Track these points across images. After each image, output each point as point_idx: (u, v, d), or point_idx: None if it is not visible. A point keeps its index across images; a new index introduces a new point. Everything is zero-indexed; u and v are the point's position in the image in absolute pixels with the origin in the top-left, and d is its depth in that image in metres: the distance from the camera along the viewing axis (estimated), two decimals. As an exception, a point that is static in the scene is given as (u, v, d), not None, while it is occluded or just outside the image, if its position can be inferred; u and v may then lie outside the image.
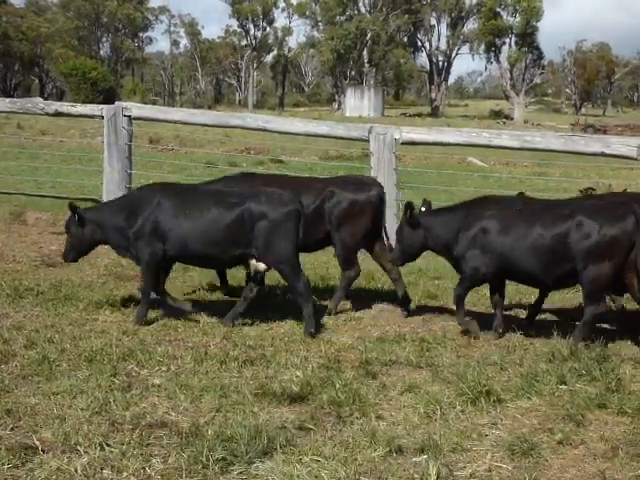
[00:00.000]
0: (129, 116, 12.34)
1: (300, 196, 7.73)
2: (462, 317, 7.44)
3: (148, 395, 5.58)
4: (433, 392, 5.73)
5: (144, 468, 4.48)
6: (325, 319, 7.78)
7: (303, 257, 7.93)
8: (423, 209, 7.70)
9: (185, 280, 9.14)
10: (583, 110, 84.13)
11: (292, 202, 7.36)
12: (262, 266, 7.37)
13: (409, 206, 7.65)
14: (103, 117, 12.43)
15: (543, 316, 8.07)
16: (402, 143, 11.18)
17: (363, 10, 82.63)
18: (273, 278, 9.00)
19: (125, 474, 4.42)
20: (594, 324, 7.11)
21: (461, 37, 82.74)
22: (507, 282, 7.69)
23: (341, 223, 8.10)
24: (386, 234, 8.34)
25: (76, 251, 7.87)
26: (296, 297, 7.41)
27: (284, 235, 7.24)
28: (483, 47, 79.61)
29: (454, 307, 8.28)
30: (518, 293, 8.95)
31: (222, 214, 7.25)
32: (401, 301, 8.19)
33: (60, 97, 75.01)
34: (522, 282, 7.95)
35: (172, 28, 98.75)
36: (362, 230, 8.18)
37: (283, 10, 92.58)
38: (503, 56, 78.50)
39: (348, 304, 8.30)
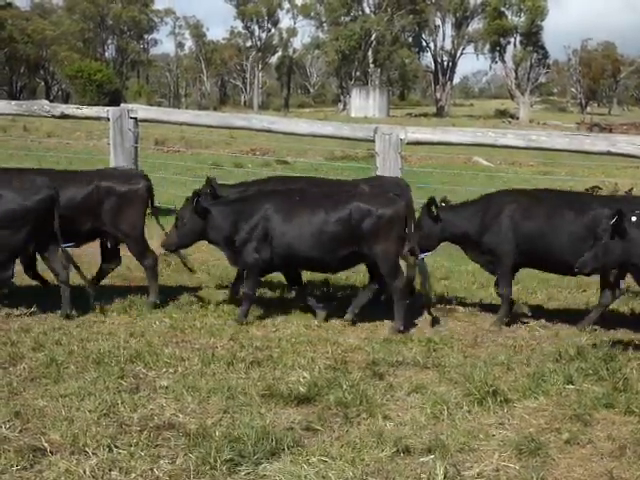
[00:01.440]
0: (135, 118, 12.36)
1: (67, 189, 7.78)
2: (244, 314, 7.57)
3: (156, 397, 5.59)
4: (440, 392, 5.74)
5: (152, 469, 4.50)
6: (332, 321, 7.79)
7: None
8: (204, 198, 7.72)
9: (191, 281, 9.16)
10: (589, 109, 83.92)
11: (46, 188, 7.42)
12: None
13: (196, 194, 7.70)
14: (109, 119, 12.45)
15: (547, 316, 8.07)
16: (407, 143, 11.17)
17: (367, 11, 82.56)
18: (279, 279, 9.02)
19: (133, 475, 4.43)
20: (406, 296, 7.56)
21: (466, 37, 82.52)
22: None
23: (115, 216, 8.08)
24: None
25: None
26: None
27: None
28: (488, 47, 79.37)
29: (458, 307, 8.31)
30: (523, 290, 8.95)
31: None
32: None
33: (66, 99, 75.14)
34: (308, 269, 8.18)
35: (177, 30, 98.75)
36: (135, 221, 8.18)
37: (288, 11, 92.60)
38: (508, 56, 78.36)
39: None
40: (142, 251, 8.25)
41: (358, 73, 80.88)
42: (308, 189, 8.16)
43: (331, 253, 7.44)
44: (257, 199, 7.72)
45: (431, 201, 7.98)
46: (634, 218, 6.41)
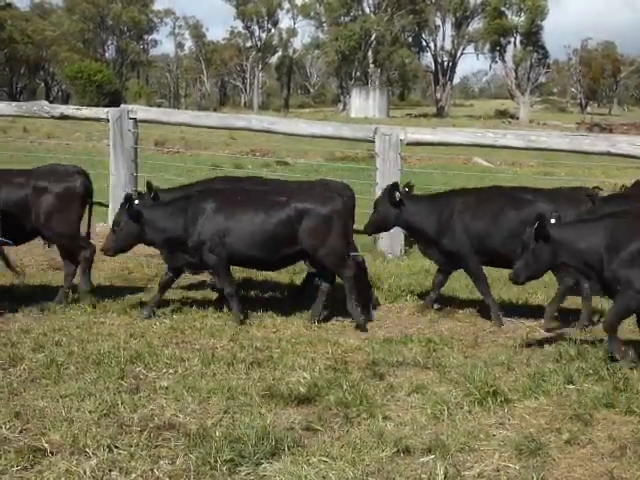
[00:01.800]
0: (134, 119, 12.36)
1: (3, 188, 7.76)
2: (238, 312, 7.57)
3: (156, 397, 5.59)
4: (440, 393, 5.74)
5: (152, 470, 4.50)
6: (333, 321, 7.79)
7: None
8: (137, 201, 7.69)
9: (191, 281, 9.16)
10: (589, 109, 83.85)
11: None
12: None
13: (128, 198, 7.69)
14: (109, 120, 12.45)
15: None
16: (407, 144, 11.19)
17: (367, 11, 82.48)
18: (280, 279, 9.02)
19: (133, 476, 4.44)
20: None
21: (466, 37, 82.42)
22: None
23: (50, 214, 7.97)
24: None
25: None
26: None
27: None
28: (488, 47, 79.29)
29: (458, 309, 8.31)
30: (523, 291, 8.95)
31: None
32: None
33: (66, 100, 75.21)
34: (250, 267, 8.28)
35: (177, 30, 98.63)
36: (75, 219, 8.14)
37: (288, 11, 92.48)
38: (508, 55, 78.29)
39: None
40: (77, 245, 8.14)
41: (358, 73, 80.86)
42: (249, 189, 8.19)
43: (271, 252, 7.50)
44: (197, 198, 7.72)
45: (394, 185, 8.11)
46: (553, 220, 6.50)
